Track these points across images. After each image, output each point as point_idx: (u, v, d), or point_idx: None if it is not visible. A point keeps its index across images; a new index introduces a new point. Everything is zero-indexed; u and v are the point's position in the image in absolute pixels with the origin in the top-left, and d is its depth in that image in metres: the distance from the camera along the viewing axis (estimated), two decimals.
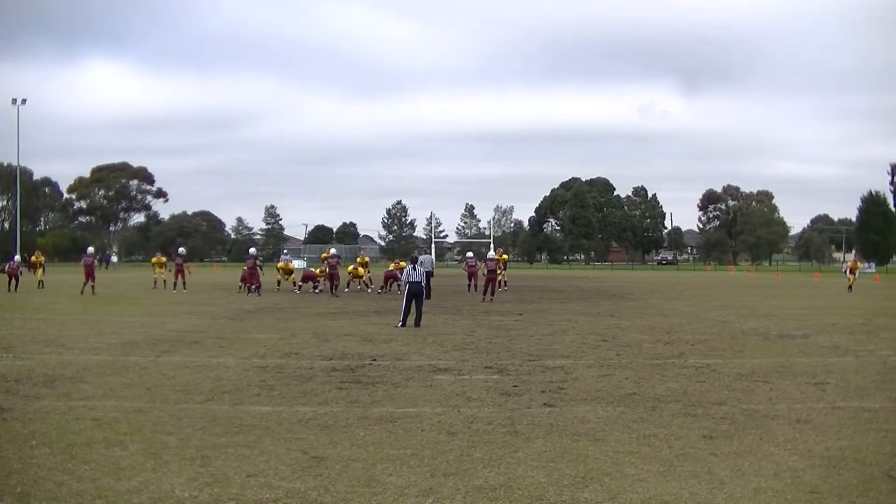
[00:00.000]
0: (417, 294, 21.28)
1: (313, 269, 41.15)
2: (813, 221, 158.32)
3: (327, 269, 36.96)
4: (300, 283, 38.51)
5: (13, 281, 37.55)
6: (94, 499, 6.77)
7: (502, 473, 7.56)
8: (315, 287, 37.94)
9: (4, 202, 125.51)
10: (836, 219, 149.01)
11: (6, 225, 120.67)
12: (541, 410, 10.43)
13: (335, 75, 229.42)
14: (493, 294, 33.06)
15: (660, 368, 14.07)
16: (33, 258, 46.04)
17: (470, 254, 43.45)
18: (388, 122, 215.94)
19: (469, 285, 39.23)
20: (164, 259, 43.11)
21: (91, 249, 39.20)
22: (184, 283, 38.94)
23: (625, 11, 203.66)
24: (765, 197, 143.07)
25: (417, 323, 20.99)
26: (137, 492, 6.93)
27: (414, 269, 21.40)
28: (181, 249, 42.39)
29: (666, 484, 7.26)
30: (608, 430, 9.33)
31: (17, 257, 42.68)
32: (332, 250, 39.14)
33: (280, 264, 41.32)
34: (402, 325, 20.82)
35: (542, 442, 8.74)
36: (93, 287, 35.53)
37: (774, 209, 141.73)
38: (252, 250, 36.88)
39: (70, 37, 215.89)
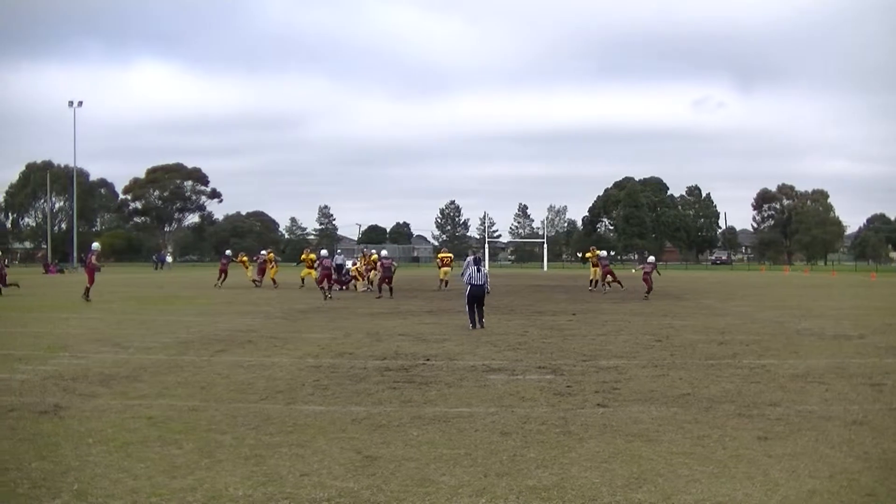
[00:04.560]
0: (478, 297, 20.91)
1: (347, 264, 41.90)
2: (869, 221, 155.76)
3: (381, 271, 36.82)
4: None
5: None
6: (149, 496, 6.82)
7: (555, 474, 7.51)
8: (342, 286, 38.97)
9: (62, 203, 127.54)
10: (892, 217, 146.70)
11: (63, 226, 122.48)
12: (594, 411, 10.36)
13: (386, 75, 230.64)
14: (648, 292, 34.58)
15: (714, 369, 13.91)
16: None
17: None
18: (440, 121, 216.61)
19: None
20: (245, 258, 47.49)
21: (96, 246, 34.31)
22: (257, 282, 42.55)
23: (676, 9, 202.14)
24: (820, 196, 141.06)
25: (480, 324, 20.71)
26: (192, 490, 6.98)
27: (477, 270, 21.17)
28: (263, 252, 45.95)
29: (720, 485, 7.18)
30: (662, 430, 9.24)
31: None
32: (384, 252, 39.36)
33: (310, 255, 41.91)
34: (472, 328, 20.49)
35: (595, 442, 8.67)
36: (87, 290, 30.65)
37: (830, 208, 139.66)
38: (324, 252, 37.08)
39: (121, 39, 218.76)
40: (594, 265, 41.37)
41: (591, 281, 40.97)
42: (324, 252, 36.39)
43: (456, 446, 8.47)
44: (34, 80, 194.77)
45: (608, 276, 39.14)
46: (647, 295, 34.40)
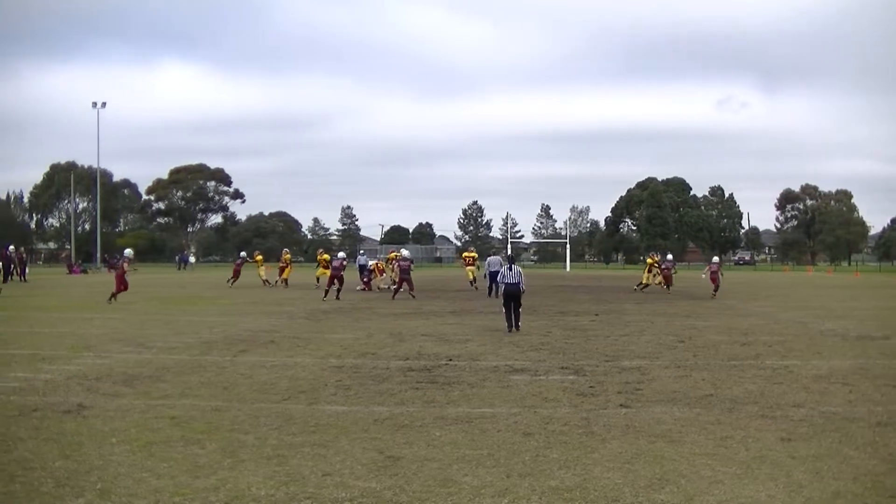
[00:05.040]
0: (514, 296, 19.98)
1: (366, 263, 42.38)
2: (893, 221, 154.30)
3: (397, 272, 36.40)
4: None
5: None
6: (171, 496, 6.84)
7: (578, 474, 7.50)
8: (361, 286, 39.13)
9: (85, 204, 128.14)
10: None
11: (87, 226, 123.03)
12: (617, 411, 10.33)
13: (408, 75, 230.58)
14: (716, 290, 35.77)
15: (737, 370, 13.84)
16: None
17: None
18: (463, 122, 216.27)
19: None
20: (260, 258, 48.19)
21: (128, 252, 34.05)
22: (285, 281, 43.49)
23: (700, 9, 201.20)
24: (843, 196, 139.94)
25: (516, 326, 19.91)
26: (214, 489, 6.99)
27: (510, 269, 20.38)
28: (284, 251, 47.48)
29: (743, 486, 7.15)
30: (685, 431, 9.21)
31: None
32: (405, 252, 39.03)
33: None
34: (508, 331, 19.71)
35: (618, 443, 8.65)
36: (114, 296, 29.82)
37: (853, 208, 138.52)
38: (340, 254, 37.01)
39: (145, 40, 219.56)
40: (649, 270, 42.17)
41: (660, 285, 41.28)
42: (340, 254, 36.32)
43: (478, 447, 8.46)
44: (58, 81, 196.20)
45: (666, 278, 40.58)
46: (715, 294, 35.36)
